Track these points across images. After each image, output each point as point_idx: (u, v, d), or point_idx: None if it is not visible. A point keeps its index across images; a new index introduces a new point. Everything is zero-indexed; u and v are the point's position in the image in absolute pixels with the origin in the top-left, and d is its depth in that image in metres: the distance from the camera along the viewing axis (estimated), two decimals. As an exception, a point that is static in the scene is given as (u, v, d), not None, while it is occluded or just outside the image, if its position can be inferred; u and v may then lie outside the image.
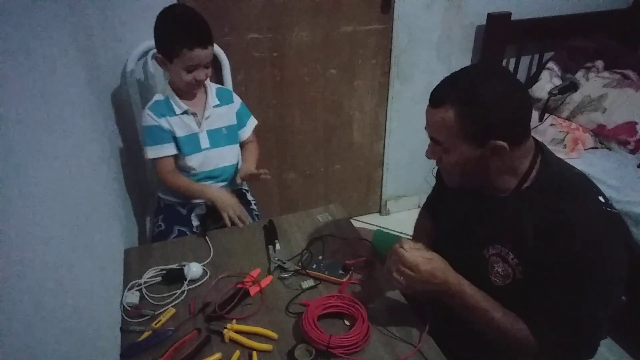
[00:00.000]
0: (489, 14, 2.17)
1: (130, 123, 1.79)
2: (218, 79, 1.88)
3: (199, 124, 1.51)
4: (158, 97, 1.49)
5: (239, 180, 1.54)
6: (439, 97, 0.92)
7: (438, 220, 1.25)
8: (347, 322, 1.05)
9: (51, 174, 0.85)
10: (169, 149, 1.48)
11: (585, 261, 0.85)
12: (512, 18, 2.16)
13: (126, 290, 1.16)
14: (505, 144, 0.88)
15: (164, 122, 1.45)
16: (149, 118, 1.45)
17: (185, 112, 1.48)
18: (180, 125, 1.48)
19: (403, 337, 1.02)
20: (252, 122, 1.67)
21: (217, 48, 1.82)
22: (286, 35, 2.00)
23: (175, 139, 1.48)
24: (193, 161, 1.53)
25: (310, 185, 2.42)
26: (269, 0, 1.90)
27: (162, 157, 1.48)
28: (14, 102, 0.73)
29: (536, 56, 2.40)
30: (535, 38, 2.29)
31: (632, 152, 1.98)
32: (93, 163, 1.24)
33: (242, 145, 1.67)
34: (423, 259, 0.92)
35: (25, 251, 0.67)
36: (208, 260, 1.26)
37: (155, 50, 1.43)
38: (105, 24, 1.65)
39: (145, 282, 1.18)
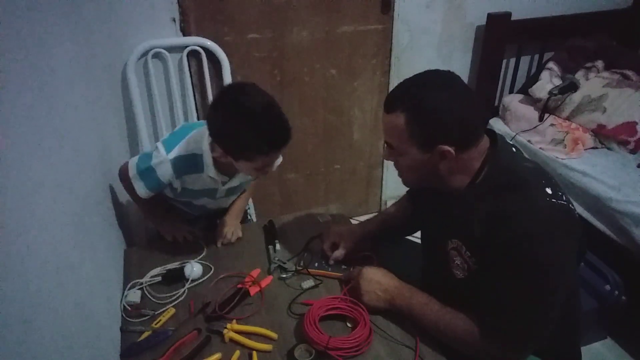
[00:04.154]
0: (489, 14, 2.17)
1: (130, 123, 1.79)
2: (218, 79, 1.88)
3: (222, 184, 1.31)
4: (194, 150, 1.20)
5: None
6: (391, 103, 0.97)
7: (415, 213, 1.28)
8: (349, 325, 1.05)
9: (52, 174, 0.85)
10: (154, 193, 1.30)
11: (521, 251, 0.87)
12: (512, 18, 2.16)
13: (127, 289, 1.16)
14: (451, 149, 0.91)
15: (176, 183, 1.26)
16: (164, 170, 1.20)
17: (212, 177, 1.25)
18: (202, 182, 1.28)
19: (407, 343, 1.01)
20: None
21: (217, 48, 1.82)
22: (286, 35, 2.00)
23: (185, 190, 1.31)
24: (198, 201, 1.40)
25: (310, 185, 2.42)
26: (269, 0, 1.91)
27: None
28: (14, 102, 0.73)
29: (536, 56, 2.40)
30: (535, 38, 2.29)
31: (632, 152, 1.98)
32: (93, 163, 1.24)
33: None
34: (371, 291, 1.06)
35: (26, 251, 0.67)
36: (208, 260, 1.26)
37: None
38: (105, 24, 1.65)
39: (146, 282, 1.18)
